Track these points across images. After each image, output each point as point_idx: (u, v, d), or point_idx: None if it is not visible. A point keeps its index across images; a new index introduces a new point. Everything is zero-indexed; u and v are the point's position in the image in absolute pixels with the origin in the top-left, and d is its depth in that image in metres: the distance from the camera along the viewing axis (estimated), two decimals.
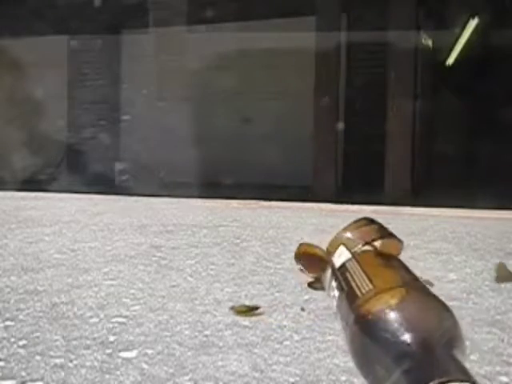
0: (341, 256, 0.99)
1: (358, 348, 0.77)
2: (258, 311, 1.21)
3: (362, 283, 0.84)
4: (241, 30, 7.08)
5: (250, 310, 1.20)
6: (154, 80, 7.79)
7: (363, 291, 0.82)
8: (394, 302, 0.73)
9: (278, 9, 6.94)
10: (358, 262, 0.95)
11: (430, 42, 7.72)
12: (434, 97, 8.44)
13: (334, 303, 0.92)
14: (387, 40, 5.61)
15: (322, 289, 1.39)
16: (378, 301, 0.76)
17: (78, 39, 7.98)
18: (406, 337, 0.69)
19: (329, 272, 1.02)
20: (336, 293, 0.92)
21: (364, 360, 0.76)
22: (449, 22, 7.82)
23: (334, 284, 0.95)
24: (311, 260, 1.31)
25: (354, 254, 0.98)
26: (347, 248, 1.00)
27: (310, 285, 1.37)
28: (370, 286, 0.82)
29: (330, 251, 1.05)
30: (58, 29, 7.87)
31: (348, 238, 1.03)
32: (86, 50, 8.02)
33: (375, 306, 0.75)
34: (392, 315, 0.72)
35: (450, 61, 9.47)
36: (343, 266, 0.96)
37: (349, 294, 0.86)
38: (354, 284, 0.87)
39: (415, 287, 0.80)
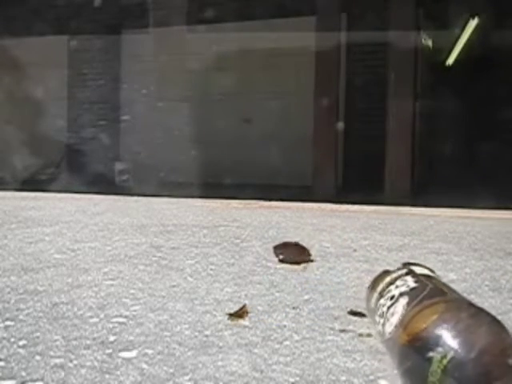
0: (423, 271, 1.04)
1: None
2: (246, 309, 1.21)
3: (448, 290, 0.91)
4: (241, 30, 7.07)
5: (239, 311, 1.20)
6: (153, 80, 7.79)
7: (452, 297, 0.88)
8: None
9: (278, 9, 6.94)
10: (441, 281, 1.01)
11: (429, 42, 7.71)
12: (433, 97, 8.44)
13: (402, 288, 0.94)
14: (387, 40, 5.60)
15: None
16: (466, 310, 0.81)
17: (78, 39, 7.98)
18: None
19: (398, 272, 1.04)
20: (412, 284, 0.94)
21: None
22: (449, 22, 7.81)
23: (409, 278, 0.97)
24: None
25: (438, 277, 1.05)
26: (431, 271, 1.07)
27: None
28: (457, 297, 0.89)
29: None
30: (58, 29, 7.87)
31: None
32: (86, 50, 8.02)
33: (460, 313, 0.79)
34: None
35: (450, 61, 9.47)
36: (427, 275, 1.00)
37: (433, 290, 0.90)
38: (440, 286, 0.93)
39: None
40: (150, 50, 7.78)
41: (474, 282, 1.55)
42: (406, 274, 1.00)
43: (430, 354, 0.72)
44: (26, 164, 7.41)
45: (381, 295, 1.00)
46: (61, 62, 8.00)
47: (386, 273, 1.07)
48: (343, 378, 0.87)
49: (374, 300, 1.03)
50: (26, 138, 7.64)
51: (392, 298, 0.94)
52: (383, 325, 0.92)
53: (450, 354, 0.71)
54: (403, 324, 0.84)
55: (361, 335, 1.07)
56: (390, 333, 0.88)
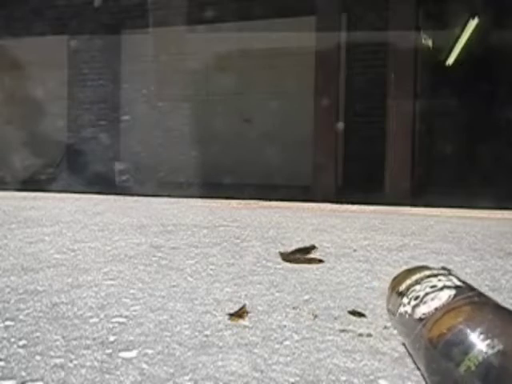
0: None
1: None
2: (246, 310, 1.21)
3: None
4: (241, 30, 7.08)
5: (239, 312, 1.20)
6: (154, 80, 7.79)
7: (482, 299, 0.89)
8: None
9: (278, 9, 6.94)
10: None
11: (429, 42, 7.71)
12: (433, 97, 8.44)
13: (447, 283, 0.95)
14: (387, 40, 5.60)
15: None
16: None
17: (78, 39, 7.98)
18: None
19: (440, 271, 1.05)
20: (458, 282, 0.96)
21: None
22: (449, 22, 7.81)
23: (453, 278, 0.98)
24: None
25: None
26: None
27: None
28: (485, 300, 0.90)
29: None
30: (58, 29, 7.87)
31: None
32: (86, 50, 8.02)
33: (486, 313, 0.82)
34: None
35: (450, 61, 9.47)
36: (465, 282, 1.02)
37: (480, 293, 0.91)
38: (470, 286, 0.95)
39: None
40: (150, 50, 7.79)
41: (474, 282, 1.54)
42: (449, 274, 1.01)
43: (480, 337, 0.73)
44: (26, 164, 7.41)
45: (417, 282, 1.00)
46: (61, 62, 8.00)
47: (426, 267, 1.08)
48: (343, 378, 0.87)
49: (404, 285, 1.03)
50: (25, 138, 7.64)
51: (433, 287, 0.94)
52: (415, 306, 0.92)
53: (499, 347, 0.71)
54: (446, 310, 0.85)
55: (361, 335, 1.08)
56: (424, 313, 0.88)
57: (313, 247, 1.89)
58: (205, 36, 7.32)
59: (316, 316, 1.19)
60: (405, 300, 0.98)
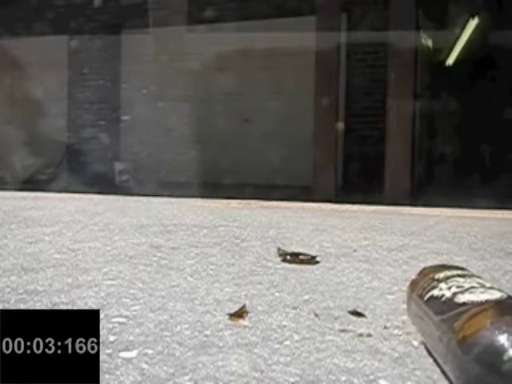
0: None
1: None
2: (246, 310, 1.21)
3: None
4: (241, 30, 7.07)
5: (239, 312, 1.20)
6: (154, 80, 7.79)
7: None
8: None
9: (278, 9, 6.94)
10: None
11: (429, 42, 7.71)
12: (433, 97, 8.43)
13: (494, 285, 0.97)
14: (387, 40, 5.60)
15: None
16: None
17: (78, 39, 7.98)
18: None
19: (471, 272, 1.07)
20: (495, 286, 0.97)
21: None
22: (449, 22, 7.81)
23: (493, 285, 1.00)
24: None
25: None
26: None
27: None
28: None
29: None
30: (58, 29, 7.86)
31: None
32: (86, 50, 8.01)
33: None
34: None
35: (450, 61, 9.47)
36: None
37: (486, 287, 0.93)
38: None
39: None
40: (150, 49, 7.78)
41: None
42: (461, 275, 1.03)
43: None
44: (26, 164, 7.40)
45: (459, 276, 1.02)
46: (61, 62, 7.99)
47: (465, 268, 1.11)
48: (343, 378, 0.87)
49: (443, 274, 1.04)
50: (26, 138, 7.63)
51: (480, 284, 0.96)
52: (456, 293, 0.93)
53: None
54: (502, 305, 0.85)
55: (361, 335, 1.08)
56: (470, 300, 0.89)
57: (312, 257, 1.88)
58: (205, 36, 7.32)
59: (317, 315, 1.19)
60: (443, 285, 0.99)
